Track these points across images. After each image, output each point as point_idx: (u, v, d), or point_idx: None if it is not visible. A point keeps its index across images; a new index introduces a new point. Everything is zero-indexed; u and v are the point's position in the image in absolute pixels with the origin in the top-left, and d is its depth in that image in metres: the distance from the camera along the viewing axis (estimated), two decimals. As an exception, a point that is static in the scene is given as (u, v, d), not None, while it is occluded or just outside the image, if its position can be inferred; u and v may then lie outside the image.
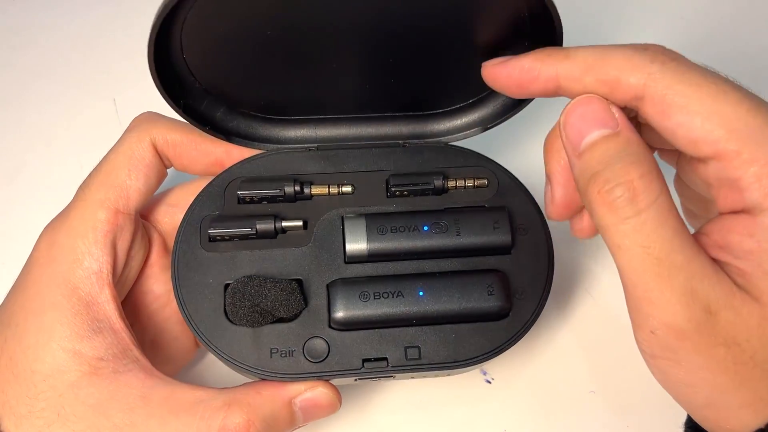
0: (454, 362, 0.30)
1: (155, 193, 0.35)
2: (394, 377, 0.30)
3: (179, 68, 0.31)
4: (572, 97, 0.28)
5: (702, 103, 0.25)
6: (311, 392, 0.30)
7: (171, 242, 0.34)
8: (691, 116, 0.25)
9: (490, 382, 0.38)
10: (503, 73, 0.29)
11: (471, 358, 0.30)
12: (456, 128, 0.35)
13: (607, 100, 0.27)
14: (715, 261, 0.26)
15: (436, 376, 0.32)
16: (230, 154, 0.34)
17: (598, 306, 0.40)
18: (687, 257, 0.25)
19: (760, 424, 0.25)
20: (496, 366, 0.38)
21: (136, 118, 0.34)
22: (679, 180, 0.33)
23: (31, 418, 0.28)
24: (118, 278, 0.32)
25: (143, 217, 0.35)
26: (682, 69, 0.26)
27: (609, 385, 0.37)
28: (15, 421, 0.28)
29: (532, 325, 0.31)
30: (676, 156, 0.31)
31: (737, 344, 0.25)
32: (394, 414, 0.37)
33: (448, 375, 0.32)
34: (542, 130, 0.45)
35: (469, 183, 0.33)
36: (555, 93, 0.29)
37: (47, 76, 0.47)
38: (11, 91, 0.47)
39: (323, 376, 0.30)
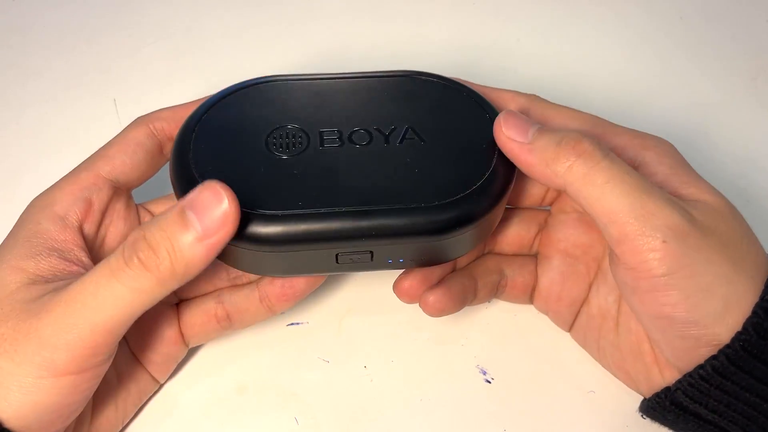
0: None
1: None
2: None
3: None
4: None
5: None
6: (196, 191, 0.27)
7: None
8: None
9: (490, 382, 0.38)
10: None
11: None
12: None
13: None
14: None
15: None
16: None
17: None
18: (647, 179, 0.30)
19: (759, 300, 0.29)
20: (496, 366, 0.38)
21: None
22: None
23: None
24: (92, 238, 0.33)
25: (150, 212, 0.36)
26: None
27: (609, 385, 0.37)
28: None
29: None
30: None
31: (715, 233, 0.29)
32: (394, 415, 0.37)
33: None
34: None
35: None
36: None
37: (47, 76, 0.48)
38: (11, 90, 0.48)
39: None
